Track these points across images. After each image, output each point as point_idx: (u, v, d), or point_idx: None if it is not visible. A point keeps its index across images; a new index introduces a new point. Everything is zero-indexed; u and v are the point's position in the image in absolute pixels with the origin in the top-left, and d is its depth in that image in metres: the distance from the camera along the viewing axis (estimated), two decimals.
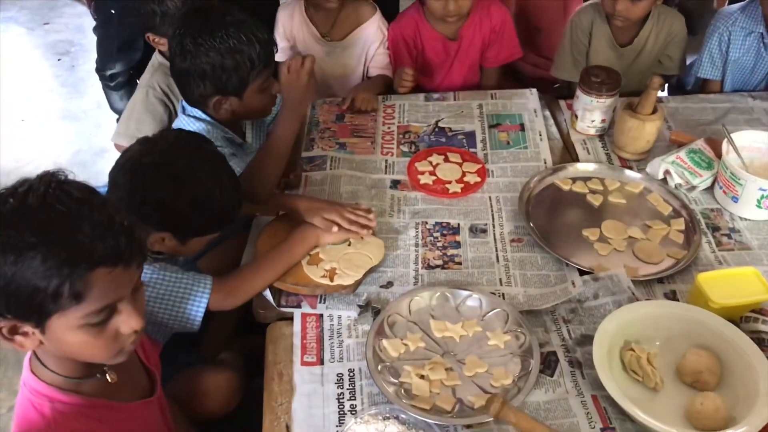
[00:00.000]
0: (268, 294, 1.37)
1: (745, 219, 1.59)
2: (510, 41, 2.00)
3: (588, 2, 2.03)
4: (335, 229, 1.41)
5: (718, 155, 1.66)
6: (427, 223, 1.58)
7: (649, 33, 1.97)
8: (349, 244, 1.45)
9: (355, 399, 1.23)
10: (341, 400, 1.23)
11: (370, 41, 1.97)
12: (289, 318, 1.37)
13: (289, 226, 1.45)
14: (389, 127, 1.85)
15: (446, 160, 1.73)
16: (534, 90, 1.98)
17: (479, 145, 1.80)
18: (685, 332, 1.29)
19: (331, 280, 1.37)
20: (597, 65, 1.81)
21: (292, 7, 1.96)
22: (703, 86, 2.08)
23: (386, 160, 1.75)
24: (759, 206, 1.57)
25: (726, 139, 1.63)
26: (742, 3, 1.98)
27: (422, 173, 1.69)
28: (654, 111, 1.70)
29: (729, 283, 1.35)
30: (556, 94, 1.99)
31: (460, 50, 1.98)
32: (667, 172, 1.67)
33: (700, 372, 1.22)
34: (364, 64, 2.00)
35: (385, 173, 1.71)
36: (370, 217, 1.45)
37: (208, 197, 1.23)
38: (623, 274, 1.41)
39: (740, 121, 1.90)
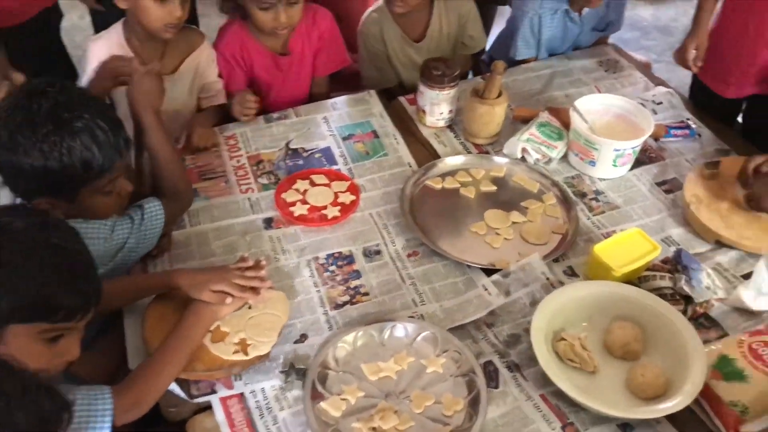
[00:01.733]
0: (176, 388, 1.18)
1: (605, 179, 1.68)
2: (338, 47, 1.92)
3: (371, 9, 1.98)
4: (229, 300, 1.24)
5: (564, 124, 1.73)
6: (318, 258, 1.46)
7: (439, 22, 1.97)
8: (250, 307, 1.29)
9: None
10: None
11: (202, 69, 1.76)
12: (208, 407, 1.20)
13: (175, 305, 1.26)
14: (238, 161, 1.69)
15: (313, 183, 1.62)
16: (372, 92, 1.91)
17: (339, 161, 1.70)
18: (604, 308, 1.32)
19: (246, 353, 1.22)
20: (434, 58, 1.79)
21: (108, 37, 1.68)
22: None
23: (249, 198, 1.60)
24: (615, 165, 1.65)
25: (571, 108, 1.69)
26: None
27: (293, 204, 1.57)
28: (499, 94, 1.72)
29: (621, 248, 1.41)
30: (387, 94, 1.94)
31: (292, 65, 1.85)
32: (524, 150, 1.71)
33: (628, 343, 1.26)
34: (197, 96, 1.80)
35: (253, 213, 1.56)
36: (262, 274, 1.29)
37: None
38: (537, 260, 1.41)
39: (565, 84, 2.00)
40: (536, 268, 1.40)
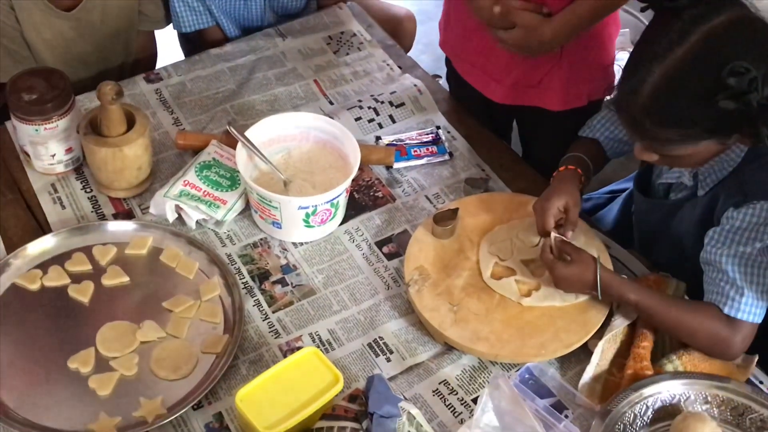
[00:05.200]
0: None
1: (301, 243, 1.36)
2: None
3: None
4: None
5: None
6: None
7: None
8: None
9: None
10: None
11: None
12: None
13: None
14: None
15: None
16: None
17: None
18: None
19: None
20: (30, 70, 1.38)
21: None
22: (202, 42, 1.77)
23: None
24: (309, 225, 1.33)
25: (240, 143, 1.34)
26: None
27: None
28: (131, 125, 1.34)
29: (283, 386, 1.11)
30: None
31: None
32: (178, 208, 1.35)
33: None
34: None
35: None
36: None
37: None
38: None
39: (271, 79, 1.64)
40: None
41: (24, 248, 1.28)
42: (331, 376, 1.12)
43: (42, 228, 1.35)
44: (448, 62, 1.69)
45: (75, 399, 1.14)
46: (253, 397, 1.09)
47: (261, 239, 1.36)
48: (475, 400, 1.16)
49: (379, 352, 1.23)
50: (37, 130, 1.35)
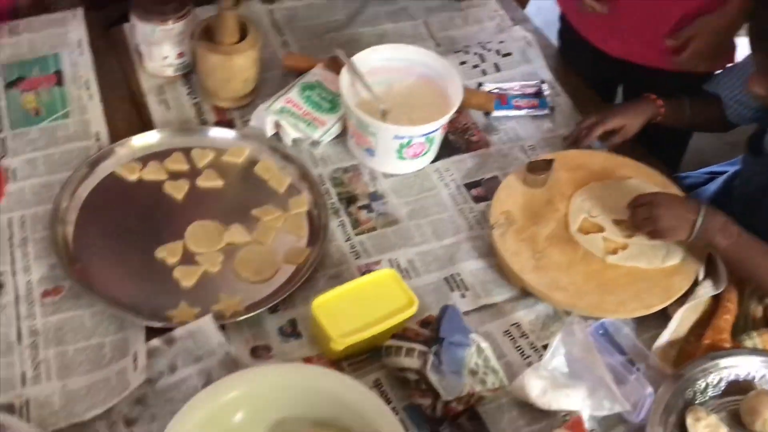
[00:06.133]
0: None
1: (390, 175, 1.38)
2: None
3: None
4: None
5: None
6: None
7: None
8: None
9: None
10: None
11: None
12: None
13: None
14: None
15: None
16: (79, 10, 1.55)
17: None
18: (298, 405, 1.05)
19: None
20: None
21: None
22: None
23: None
24: (401, 157, 1.35)
25: (345, 67, 1.37)
26: None
27: None
28: (243, 36, 1.38)
29: (357, 301, 1.14)
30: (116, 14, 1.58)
31: None
32: (277, 124, 1.39)
33: None
34: None
35: None
36: None
37: None
38: (210, 325, 1.12)
39: (381, 15, 1.67)
40: (210, 337, 1.11)
41: (129, 140, 1.34)
42: (406, 298, 1.15)
43: (146, 127, 1.40)
44: (562, 18, 1.68)
45: (159, 286, 1.20)
46: (328, 306, 1.12)
47: (352, 165, 1.39)
48: (545, 347, 1.16)
49: (454, 287, 1.24)
50: (153, 31, 1.40)
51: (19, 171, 1.32)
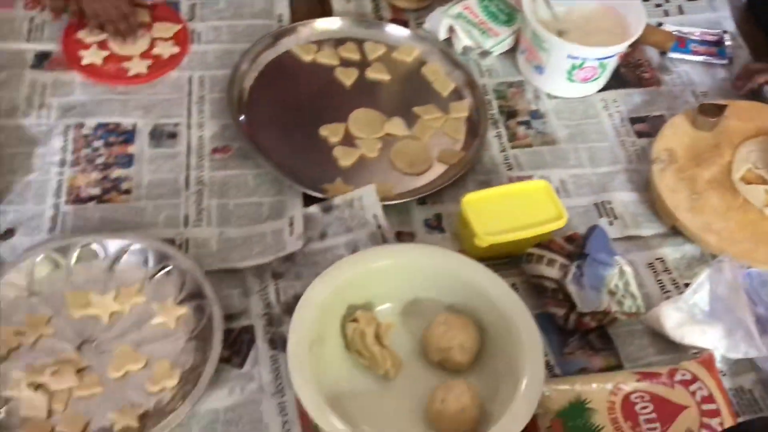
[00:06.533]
0: None
1: (555, 97, 1.38)
2: None
3: None
4: None
5: None
6: (83, 125, 1.25)
7: None
8: None
9: None
10: None
11: None
12: None
13: None
14: None
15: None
16: None
17: None
18: (435, 288, 1.08)
19: None
20: None
21: None
22: None
23: (32, 20, 1.37)
24: (570, 79, 1.35)
25: None
26: None
27: (87, 46, 1.34)
28: None
29: (507, 205, 1.16)
30: None
31: None
32: (451, 29, 1.41)
33: (448, 348, 1.03)
34: None
35: (28, 41, 1.34)
36: None
37: None
38: (371, 194, 1.17)
39: None
40: (367, 208, 1.16)
41: (311, 21, 1.40)
42: (556, 211, 1.15)
43: (325, 15, 1.45)
44: None
45: (318, 161, 1.25)
46: (478, 203, 1.14)
47: (518, 81, 1.40)
48: (686, 285, 1.14)
49: (603, 213, 1.24)
50: None
51: (204, 35, 1.39)
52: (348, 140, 1.27)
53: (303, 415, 1.00)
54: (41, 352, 1.02)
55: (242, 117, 1.28)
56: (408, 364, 1.05)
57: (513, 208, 1.15)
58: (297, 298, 1.05)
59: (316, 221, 1.16)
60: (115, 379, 1.01)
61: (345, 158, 1.25)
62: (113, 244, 1.10)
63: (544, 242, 1.14)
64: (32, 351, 1.02)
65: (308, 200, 1.19)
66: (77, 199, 1.17)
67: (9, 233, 1.13)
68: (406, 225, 1.20)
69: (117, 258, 1.10)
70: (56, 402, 0.98)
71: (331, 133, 1.28)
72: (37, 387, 0.99)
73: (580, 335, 1.10)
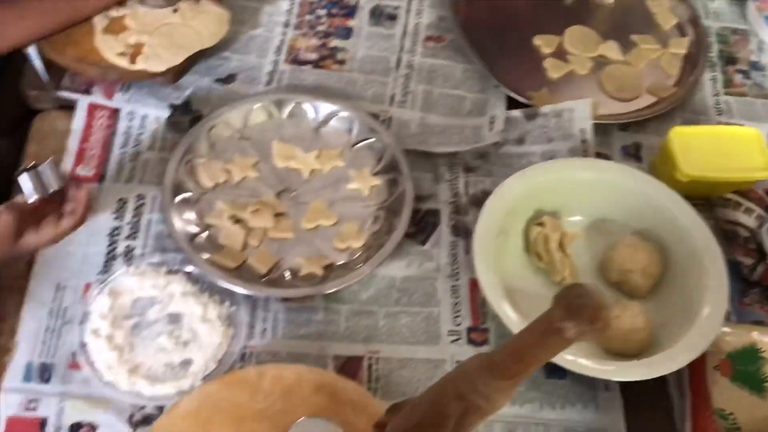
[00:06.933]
0: (36, 62, 1.13)
1: None
2: None
3: None
4: None
5: None
6: None
7: None
8: (176, 10, 1.19)
9: (136, 239, 1.05)
10: (115, 237, 1.05)
11: None
12: (70, 107, 1.15)
13: None
14: None
15: None
16: None
17: None
18: (627, 211, 1.08)
19: (133, 61, 1.13)
20: None
21: None
22: None
23: None
24: None
25: None
26: None
27: None
28: None
29: (714, 146, 1.13)
30: None
31: None
32: None
33: (630, 271, 1.04)
34: None
35: None
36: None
37: None
38: (585, 108, 1.17)
39: None
40: (576, 122, 1.16)
41: None
42: (763, 161, 1.12)
43: None
44: None
45: (528, 68, 1.27)
46: (685, 137, 1.13)
47: (743, 30, 1.36)
48: None
49: None
50: None
51: None
52: (560, 54, 1.27)
53: (473, 300, 1.04)
54: (245, 191, 1.10)
55: (460, 11, 1.29)
56: (583, 278, 1.06)
57: (719, 150, 1.13)
58: (485, 193, 1.08)
59: (516, 125, 1.17)
60: (306, 229, 1.08)
61: (555, 70, 1.25)
62: (324, 107, 1.16)
63: (744, 190, 1.11)
64: (237, 188, 1.10)
65: (511, 104, 1.20)
66: (295, 60, 1.23)
67: (230, 78, 1.20)
68: (604, 147, 1.19)
69: (325, 121, 1.16)
70: (252, 238, 1.05)
71: (544, 43, 1.28)
72: (237, 221, 1.06)
73: (762, 289, 1.08)
